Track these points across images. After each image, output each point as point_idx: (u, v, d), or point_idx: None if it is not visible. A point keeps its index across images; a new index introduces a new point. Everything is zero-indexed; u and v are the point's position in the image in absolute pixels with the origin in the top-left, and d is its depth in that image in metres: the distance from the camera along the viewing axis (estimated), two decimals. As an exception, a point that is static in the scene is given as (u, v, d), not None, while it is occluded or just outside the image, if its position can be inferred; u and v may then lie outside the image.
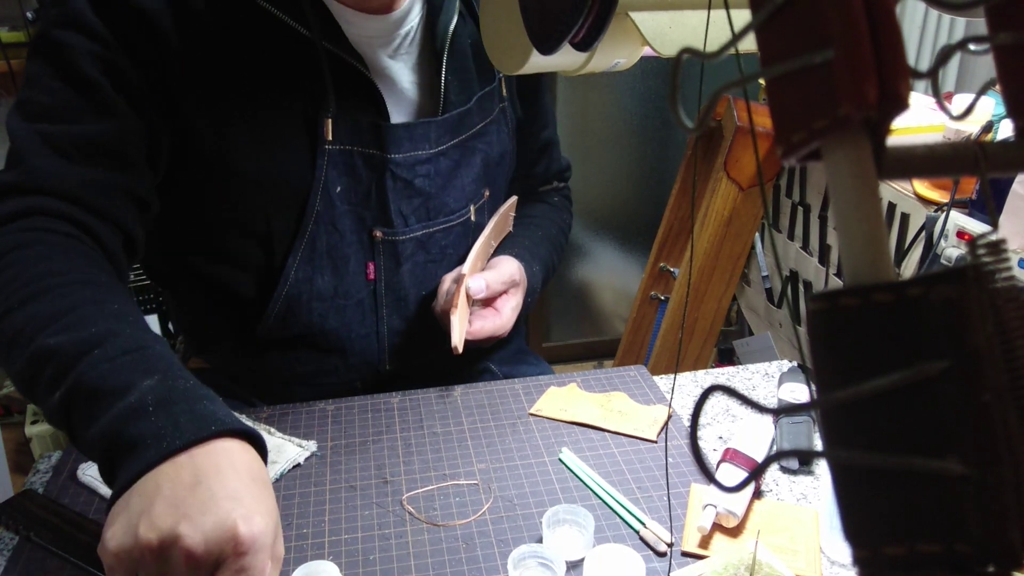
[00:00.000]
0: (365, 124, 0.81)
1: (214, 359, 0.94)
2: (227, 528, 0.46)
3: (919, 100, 1.42)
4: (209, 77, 0.75)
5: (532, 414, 0.82)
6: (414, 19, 0.85)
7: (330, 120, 0.79)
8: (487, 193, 0.95)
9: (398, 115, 0.86)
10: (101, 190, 0.72)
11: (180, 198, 0.82)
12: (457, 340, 0.80)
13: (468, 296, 0.85)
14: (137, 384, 0.53)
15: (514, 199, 1.00)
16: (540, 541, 0.64)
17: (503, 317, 0.88)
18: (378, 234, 0.85)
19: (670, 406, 0.83)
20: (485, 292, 0.86)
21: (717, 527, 0.66)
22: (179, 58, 0.73)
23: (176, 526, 0.46)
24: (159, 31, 0.72)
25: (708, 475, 0.23)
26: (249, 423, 0.78)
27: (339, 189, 0.82)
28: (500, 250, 0.96)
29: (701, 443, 0.80)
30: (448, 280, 0.88)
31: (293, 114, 0.79)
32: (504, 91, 0.95)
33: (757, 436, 0.73)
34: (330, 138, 0.79)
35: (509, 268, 0.91)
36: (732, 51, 0.24)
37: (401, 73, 0.86)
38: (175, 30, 0.73)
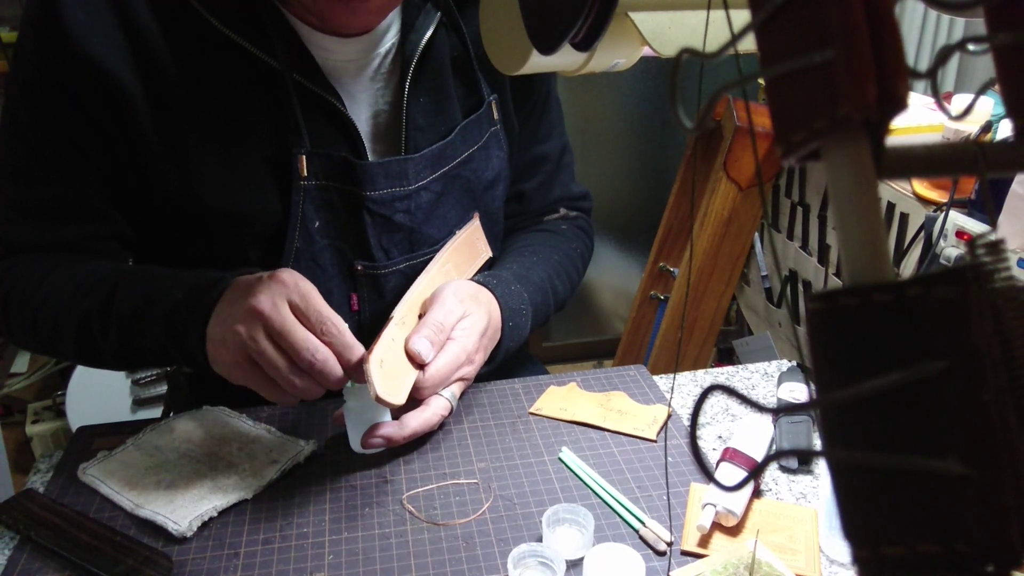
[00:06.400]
0: (338, 160, 0.78)
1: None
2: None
3: (918, 100, 1.42)
4: (172, 116, 0.75)
5: (532, 413, 0.82)
6: (392, 37, 0.82)
7: (304, 156, 0.76)
8: (476, 217, 0.90)
9: (376, 145, 0.83)
10: (78, 240, 0.80)
11: (158, 233, 0.83)
12: (379, 390, 0.66)
13: (409, 351, 0.72)
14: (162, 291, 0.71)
15: (476, 222, 0.90)
16: (540, 540, 0.64)
17: (462, 348, 0.75)
18: (359, 267, 0.82)
19: (670, 405, 0.83)
20: (431, 351, 0.72)
21: (716, 526, 0.66)
22: (137, 100, 0.73)
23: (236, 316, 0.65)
24: (111, 79, 0.72)
25: (707, 474, 0.23)
26: (249, 423, 0.79)
27: (317, 224, 0.79)
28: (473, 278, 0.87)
29: (700, 442, 0.80)
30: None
31: (264, 149, 0.77)
32: (496, 113, 0.89)
33: (756, 436, 0.73)
34: (305, 174, 0.77)
35: (445, 295, 0.76)
36: (732, 51, 0.24)
37: (380, 96, 0.83)
38: (132, 73, 0.73)
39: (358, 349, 0.66)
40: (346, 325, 0.66)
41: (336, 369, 0.65)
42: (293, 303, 0.65)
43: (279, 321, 0.63)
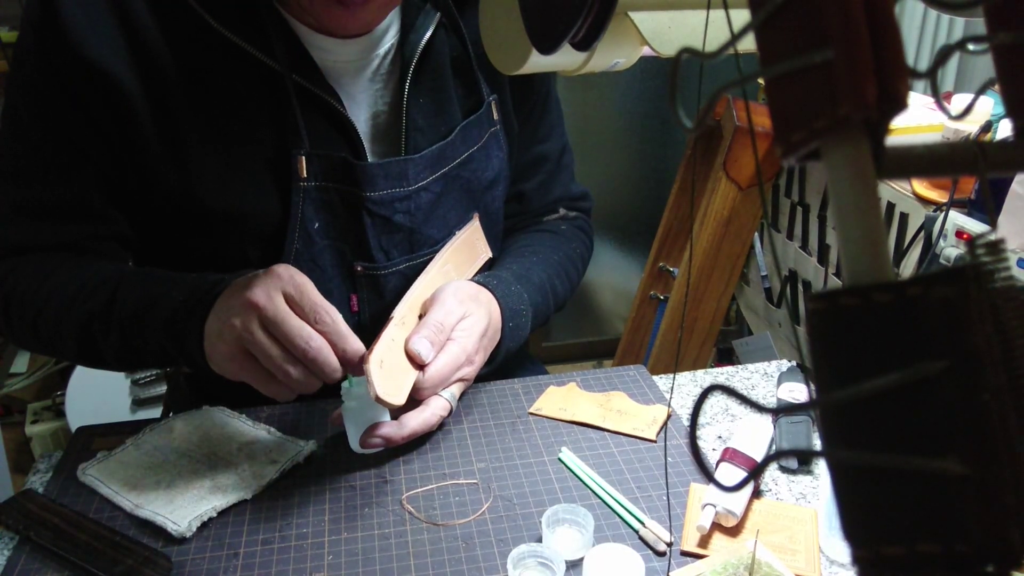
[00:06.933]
0: (338, 161, 0.78)
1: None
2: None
3: (918, 100, 1.42)
4: (171, 116, 0.75)
5: (531, 413, 0.82)
6: (392, 38, 0.82)
7: (303, 157, 0.76)
8: (476, 217, 0.89)
9: (375, 146, 0.83)
10: (78, 240, 0.80)
11: (158, 233, 0.83)
12: (379, 391, 0.66)
13: (409, 351, 0.72)
14: (161, 294, 0.72)
15: (475, 223, 0.89)
16: (539, 540, 0.64)
17: (462, 348, 0.75)
18: (359, 268, 0.82)
19: (669, 406, 0.83)
20: (431, 351, 0.73)
21: (716, 526, 0.66)
22: (137, 101, 0.73)
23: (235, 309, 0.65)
24: (111, 79, 0.72)
25: (707, 474, 0.23)
26: (249, 423, 0.79)
27: (317, 225, 0.79)
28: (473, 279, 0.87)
29: (700, 443, 0.80)
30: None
31: (264, 150, 0.77)
32: (495, 114, 0.89)
33: (756, 436, 0.73)
34: (304, 175, 0.77)
35: (445, 295, 0.77)
36: (731, 51, 0.24)
37: (379, 96, 0.83)
38: (131, 74, 0.73)
39: (352, 338, 0.66)
40: (340, 315, 0.66)
41: (331, 358, 0.65)
42: (288, 294, 0.65)
43: (273, 311, 0.64)
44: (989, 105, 1.28)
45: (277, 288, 0.65)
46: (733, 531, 0.66)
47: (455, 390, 0.77)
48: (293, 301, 0.65)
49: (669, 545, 0.64)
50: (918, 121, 1.36)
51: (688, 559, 0.64)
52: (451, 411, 0.76)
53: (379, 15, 0.76)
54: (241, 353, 0.65)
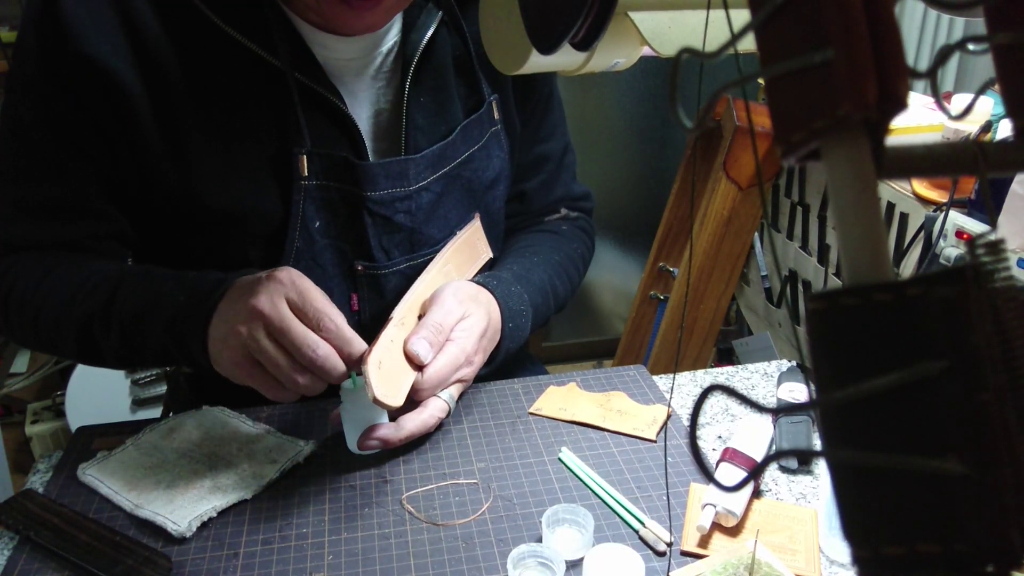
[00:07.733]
0: (338, 160, 0.77)
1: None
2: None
3: (918, 100, 1.42)
4: (172, 114, 0.75)
5: (532, 413, 0.82)
6: (394, 36, 0.82)
7: (304, 156, 0.76)
8: (477, 217, 0.89)
9: (377, 144, 0.83)
10: (78, 239, 0.80)
11: (159, 232, 0.83)
12: (377, 392, 0.66)
13: (408, 352, 0.72)
14: (163, 293, 0.72)
15: (476, 223, 0.89)
16: (539, 540, 0.64)
17: (461, 349, 0.75)
18: (360, 267, 0.82)
19: (669, 406, 0.83)
20: (430, 352, 0.72)
21: (716, 526, 0.66)
22: (138, 99, 0.73)
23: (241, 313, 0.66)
24: (112, 77, 0.72)
25: (707, 474, 0.23)
26: (249, 423, 0.79)
27: (318, 224, 0.79)
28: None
29: (700, 443, 0.80)
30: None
31: (264, 148, 0.77)
32: (496, 113, 0.89)
33: (756, 436, 0.73)
34: (305, 174, 0.77)
35: (445, 296, 0.76)
36: (731, 51, 0.24)
37: (381, 95, 0.83)
38: (132, 71, 0.73)
39: (357, 341, 0.67)
40: (344, 318, 0.67)
41: (337, 363, 0.66)
42: (291, 300, 0.66)
43: (278, 319, 0.64)
44: (989, 105, 1.28)
45: (280, 294, 0.65)
46: (733, 531, 0.66)
47: (454, 391, 0.77)
48: (296, 306, 0.66)
49: (669, 545, 0.64)
50: (918, 121, 1.36)
51: (688, 559, 0.64)
52: (449, 412, 0.76)
53: (385, 16, 0.76)
54: (247, 360, 0.66)
